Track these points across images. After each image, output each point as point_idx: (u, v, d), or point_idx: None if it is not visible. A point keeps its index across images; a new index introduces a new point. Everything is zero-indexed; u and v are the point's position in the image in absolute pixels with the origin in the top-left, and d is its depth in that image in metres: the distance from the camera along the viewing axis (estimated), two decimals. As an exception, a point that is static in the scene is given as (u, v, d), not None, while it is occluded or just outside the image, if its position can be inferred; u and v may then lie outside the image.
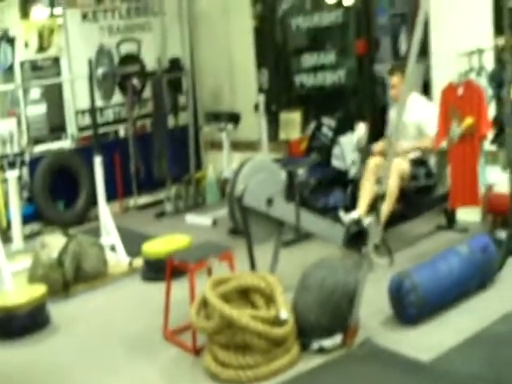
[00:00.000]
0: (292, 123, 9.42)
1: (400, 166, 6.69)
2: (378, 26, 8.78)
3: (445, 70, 6.87)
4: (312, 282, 5.03)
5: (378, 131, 7.70)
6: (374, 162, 6.89)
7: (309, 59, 9.22)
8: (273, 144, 9.38)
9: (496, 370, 4.47)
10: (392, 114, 7.23)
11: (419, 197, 7.05)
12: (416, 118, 6.93)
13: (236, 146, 9.72)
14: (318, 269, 5.16)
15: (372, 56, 8.43)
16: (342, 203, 7.38)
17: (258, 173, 6.00)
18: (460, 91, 6.42)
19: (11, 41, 9.69)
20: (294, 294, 5.12)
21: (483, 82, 6.45)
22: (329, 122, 8.18)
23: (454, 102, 6.47)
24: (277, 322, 4.72)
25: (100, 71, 7.85)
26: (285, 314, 4.74)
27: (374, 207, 5.99)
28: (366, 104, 8.16)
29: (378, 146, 7.29)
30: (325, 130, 8.18)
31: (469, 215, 7.10)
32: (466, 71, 6.48)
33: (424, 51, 7.41)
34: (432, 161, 7.06)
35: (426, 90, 7.70)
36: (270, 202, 5.89)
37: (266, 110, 9.15)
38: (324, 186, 7.90)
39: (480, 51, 6.47)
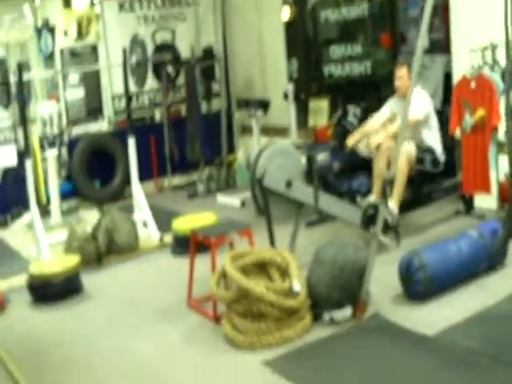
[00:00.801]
0: (320, 111, 9.74)
1: (407, 148, 6.90)
2: (410, 18, 8.93)
3: (462, 64, 7.11)
4: (324, 257, 5.38)
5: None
6: (386, 144, 7.05)
7: (337, 50, 9.53)
8: (301, 130, 9.72)
9: (495, 347, 4.72)
10: (391, 103, 7.42)
11: (428, 184, 7.31)
12: (416, 111, 7.01)
13: (266, 131, 10.06)
14: (331, 246, 5.51)
15: (396, 49, 8.68)
16: (365, 188, 7.62)
17: (278, 157, 6.35)
18: (473, 84, 6.73)
19: (51, 30, 10.09)
20: (308, 269, 5.47)
21: (496, 76, 6.66)
22: (354, 110, 8.46)
23: (467, 95, 6.79)
24: (290, 293, 5.09)
25: (133, 59, 8.22)
26: (298, 286, 5.10)
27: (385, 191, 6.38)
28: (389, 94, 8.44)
29: (352, 138, 7.40)
30: (350, 117, 8.46)
31: (486, 202, 7.28)
32: (479, 65, 6.75)
33: (447, 45, 7.72)
34: (439, 151, 7.24)
35: (447, 82, 7.93)
36: (289, 184, 6.24)
37: (295, 97, 9.49)
38: (348, 171, 8.17)
39: (494, 46, 6.69)
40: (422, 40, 4.94)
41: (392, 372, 4.58)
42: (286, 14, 10.28)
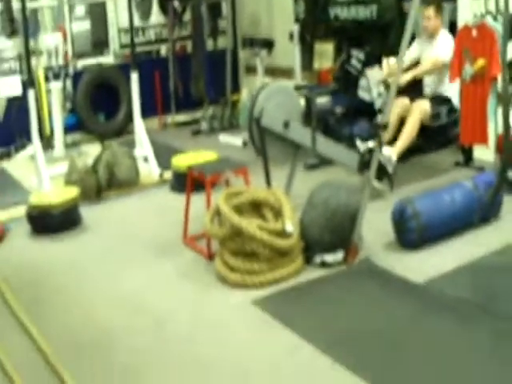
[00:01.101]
0: (325, 53, 9.69)
1: (422, 106, 7.02)
2: None
3: (466, 13, 7.08)
4: (317, 200, 5.44)
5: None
6: (400, 102, 7.13)
7: (343, -7, 9.45)
8: (306, 72, 9.71)
9: (484, 297, 4.84)
10: (418, 45, 7.46)
11: (437, 133, 7.31)
12: (435, 52, 7.20)
13: (272, 71, 10.05)
14: (323, 188, 5.56)
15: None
16: (366, 133, 7.64)
17: (276, 96, 6.36)
18: (474, 33, 6.70)
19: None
20: (301, 211, 5.55)
21: (499, 26, 6.60)
22: (358, 54, 8.43)
23: (468, 43, 6.75)
24: (282, 234, 5.16)
25: (138, -8, 8.22)
26: (290, 227, 5.17)
27: (392, 141, 6.42)
28: (394, 39, 8.38)
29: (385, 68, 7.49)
30: (354, 61, 8.40)
31: (486, 154, 7.29)
32: (482, 14, 6.72)
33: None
34: (455, 98, 7.23)
35: (452, 30, 7.89)
36: (286, 124, 6.27)
37: (300, 39, 9.47)
38: (350, 116, 8.18)
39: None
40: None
41: (378, 316, 4.68)
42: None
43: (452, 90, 7.22)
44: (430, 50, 7.27)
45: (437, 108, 7.17)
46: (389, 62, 7.43)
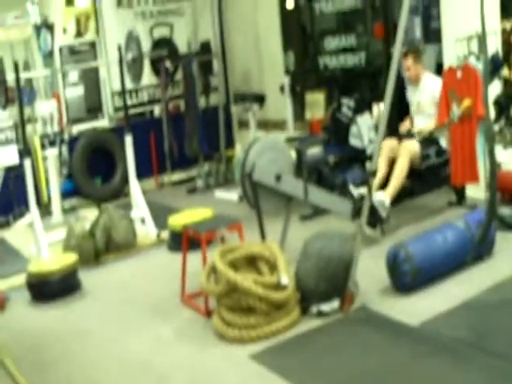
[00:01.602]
0: (316, 103, 9.82)
1: (411, 147, 7.11)
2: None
3: (451, 54, 7.19)
4: (311, 251, 5.48)
5: (396, 111, 8.00)
6: (388, 144, 7.24)
7: (332, 42, 9.60)
8: (298, 123, 9.83)
9: (479, 335, 4.84)
10: (409, 94, 7.65)
11: (428, 174, 7.37)
12: (430, 95, 7.32)
13: (264, 125, 10.19)
14: (317, 239, 5.61)
15: (390, 39, 8.73)
16: (359, 180, 7.69)
17: (266, 151, 6.45)
18: (459, 74, 6.83)
19: (51, 27, 10.17)
20: (296, 263, 5.58)
21: (481, 65, 6.69)
22: (348, 102, 8.52)
23: (453, 85, 6.88)
24: (278, 286, 5.19)
25: (129, 56, 8.32)
26: (285, 279, 5.20)
27: (384, 185, 6.48)
28: (383, 85, 8.49)
29: (404, 125, 7.73)
30: (344, 109, 8.49)
31: (478, 192, 7.31)
32: (464, 55, 6.83)
33: (438, 35, 7.78)
34: (442, 139, 7.36)
35: (439, 71, 7.99)
36: (278, 177, 6.35)
37: (291, 90, 9.61)
38: (343, 164, 8.24)
39: (479, 35, 6.72)
40: (400, 35, 5.02)
41: (376, 360, 4.69)
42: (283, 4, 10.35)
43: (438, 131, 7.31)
44: (419, 95, 7.47)
45: (426, 149, 7.25)
46: (379, 107, 7.54)
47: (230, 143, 11.19)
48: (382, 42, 8.93)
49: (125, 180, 9.90)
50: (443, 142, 7.36)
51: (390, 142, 7.25)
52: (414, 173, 7.18)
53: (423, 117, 7.41)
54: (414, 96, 7.55)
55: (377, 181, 7.03)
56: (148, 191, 8.58)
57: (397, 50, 5.12)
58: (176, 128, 10.55)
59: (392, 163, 7.14)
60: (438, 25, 8.13)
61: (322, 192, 6.74)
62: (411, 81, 7.52)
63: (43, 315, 6.35)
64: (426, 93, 7.36)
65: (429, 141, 7.32)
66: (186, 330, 5.59)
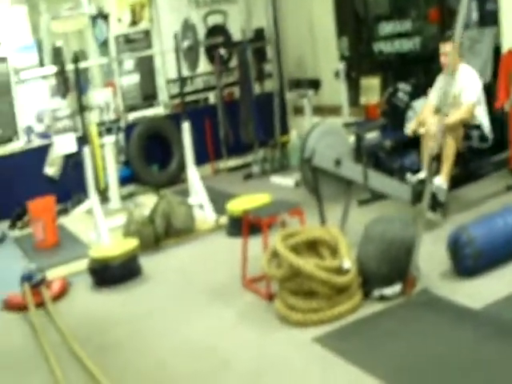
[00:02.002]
0: (371, 88, 9.78)
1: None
2: None
3: (511, 36, 7.11)
4: (373, 234, 5.49)
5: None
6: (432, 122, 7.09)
7: (386, 27, 9.55)
8: (353, 108, 9.81)
9: (543, 318, 4.82)
10: (440, 82, 7.38)
11: (477, 160, 7.32)
12: (459, 87, 7.06)
13: (319, 110, 10.16)
14: (379, 223, 5.62)
15: (445, 23, 8.66)
16: (416, 165, 7.66)
17: (326, 136, 6.46)
18: (519, 57, 6.75)
19: (106, 17, 10.29)
20: (358, 247, 5.60)
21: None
22: (404, 87, 8.50)
23: (513, 68, 6.81)
24: (340, 270, 5.22)
25: (185, 44, 8.38)
26: (347, 263, 5.23)
27: (436, 167, 6.41)
28: (438, 70, 8.45)
29: (411, 127, 7.38)
30: (400, 94, 8.48)
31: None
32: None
33: (494, 17, 7.71)
34: (487, 126, 7.20)
35: (496, 54, 7.91)
36: (337, 162, 6.35)
37: (346, 76, 9.58)
38: (399, 149, 8.22)
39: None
40: (461, 17, 4.97)
41: (439, 344, 4.66)
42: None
43: (481, 113, 7.17)
44: (456, 86, 7.02)
45: (468, 130, 7.08)
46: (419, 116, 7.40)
47: (285, 129, 11.21)
48: (437, 27, 8.85)
49: (181, 166, 10.02)
50: (487, 129, 7.21)
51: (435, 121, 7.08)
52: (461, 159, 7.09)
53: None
54: (449, 87, 7.23)
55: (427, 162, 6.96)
56: (204, 177, 8.64)
57: (458, 32, 5.06)
58: (231, 115, 10.61)
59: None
60: (494, 7, 8.06)
61: (381, 176, 6.72)
62: (446, 68, 7.25)
63: (105, 300, 6.46)
64: (469, 93, 7.02)
65: (469, 125, 7.12)
66: (249, 313, 5.64)
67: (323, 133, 6.46)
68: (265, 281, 5.79)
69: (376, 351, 4.72)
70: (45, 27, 10.21)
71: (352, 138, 7.56)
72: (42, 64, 9.92)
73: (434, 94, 7.36)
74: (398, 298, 5.37)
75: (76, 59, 7.73)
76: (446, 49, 7.06)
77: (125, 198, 9.66)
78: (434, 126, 6.82)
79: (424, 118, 7.15)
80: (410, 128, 7.36)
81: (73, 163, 9.43)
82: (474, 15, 8.20)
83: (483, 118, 7.21)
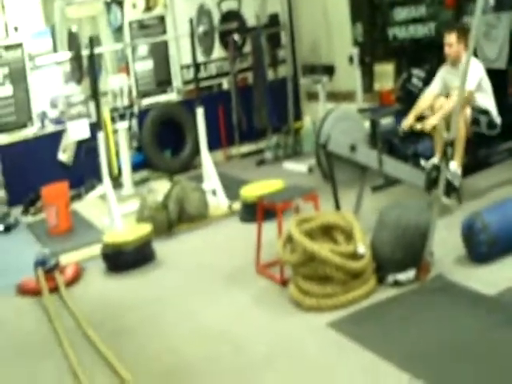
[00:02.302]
0: (385, 74, 9.74)
1: (464, 112, 6.83)
2: None
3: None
4: (388, 219, 5.48)
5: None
6: (439, 103, 7.02)
7: (401, 12, 9.49)
8: (367, 94, 9.77)
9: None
10: (442, 72, 7.29)
11: (486, 147, 7.26)
12: (474, 80, 6.90)
13: (333, 96, 10.14)
14: (394, 208, 5.61)
15: (461, 8, 8.60)
16: (430, 151, 7.64)
17: (341, 121, 6.46)
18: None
19: (120, 3, 10.28)
20: (372, 232, 5.59)
21: None
22: (418, 73, 8.45)
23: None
24: (355, 256, 5.21)
25: (200, 29, 8.35)
26: (362, 248, 5.22)
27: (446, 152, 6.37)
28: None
29: (406, 122, 7.24)
30: (415, 80, 8.42)
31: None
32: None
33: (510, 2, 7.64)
34: (494, 113, 7.11)
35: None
36: (353, 148, 6.33)
37: (360, 62, 9.55)
38: (413, 135, 8.19)
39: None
40: (478, 10, 4.90)
41: (453, 330, 4.67)
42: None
43: (486, 101, 7.09)
44: (456, 79, 6.82)
45: (476, 115, 7.00)
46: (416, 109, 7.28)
47: (298, 115, 11.20)
48: (453, 12, 8.78)
49: (194, 152, 10.05)
50: (495, 116, 7.12)
51: (441, 101, 7.01)
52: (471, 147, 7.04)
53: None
54: (453, 78, 7.05)
55: (441, 149, 6.89)
56: (217, 163, 8.63)
57: (476, 19, 5.00)
58: (244, 101, 10.60)
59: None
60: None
61: (395, 163, 6.70)
62: (450, 60, 7.12)
63: (119, 285, 6.47)
64: (469, 81, 6.93)
65: (478, 110, 7.04)
66: (263, 298, 5.65)
67: (338, 118, 6.45)
68: (278, 266, 5.79)
69: (390, 337, 4.72)
70: (58, 13, 10.20)
71: (367, 124, 7.52)
72: (55, 50, 9.93)
73: (435, 86, 7.30)
74: (412, 283, 5.37)
75: (92, 44, 7.71)
76: (451, 39, 6.99)
77: (137, 183, 9.68)
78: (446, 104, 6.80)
79: (425, 120, 7.06)
80: (406, 123, 7.22)
81: (86, 149, 9.45)
82: (491, 0, 8.11)
83: (490, 105, 7.11)
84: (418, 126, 7.05)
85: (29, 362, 5.19)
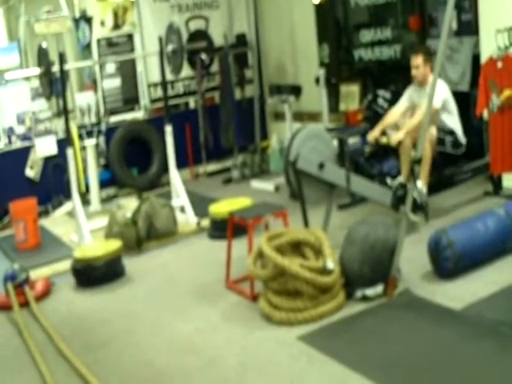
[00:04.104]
0: (351, 95, 9.91)
1: (430, 131, 6.92)
2: (439, 0, 8.75)
3: (490, 45, 7.25)
4: (356, 236, 5.61)
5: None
6: (403, 121, 7.20)
7: (366, 35, 9.68)
8: (333, 115, 9.92)
9: (520, 319, 4.95)
10: (409, 92, 7.46)
11: (442, 162, 7.36)
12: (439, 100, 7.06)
13: (299, 116, 10.25)
14: (362, 225, 5.74)
15: (425, 31, 8.80)
16: (395, 170, 7.78)
17: (310, 139, 6.54)
18: (499, 65, 6.93)
19: (89, 20, 10.31)
20: (340, 248, 5.70)
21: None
22: (384, 94, 8.62)
23: (493, 75, 6.97)
24: (324, 271, 5.32)
25: (170, 48, 8.43)
26: (331, 264, 5.33)
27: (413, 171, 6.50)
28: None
29: (373, 134, 7.42)
30: (380, 101, 8.60)
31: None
32: (505, 46, 6.92)
33: (476, 27, 7.84)
34: (460, 133, 7.31)
35: (475, 63, 8.05)
36: (321, 166, 6.44)
37: (326, 82, 9.67)
38: (379, 155, 8.34)
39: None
40: (445, 28, 5.06)
41: (420, 343, 4.80)
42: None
43: (452, 121, 7.28)
44: (423, 99, 7.03)
45: (442, 135, 7.18)
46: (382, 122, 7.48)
47: (265, 135, 11.32)
48: (418, 35, 8.99)
49: (161, 170, 10.14)
50: (460, 136, 7.31)
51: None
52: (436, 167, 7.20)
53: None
54: (419, 98, 7.25)
55: (406, 169, 7.08)
56: (184, 182, 8.64)
57: (442, 42, 5.15)
58: (211, 120, 10.68)
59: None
60: (470, 17, 8.21)
61: (363, 181, 6.85)
62: (417, 81, 7.32)
63: (89, 299, 6.50)
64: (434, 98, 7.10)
65: (443, 130, 7.23)
66: (233, 312, 5.72)
67: (308, 136, 6.54)
68: (248, 282, 5.88)
69: (359, 349, 4.83)
70: (24, 29, 10.22)
71: (335, 143, 7.65)
72: (21, 66, 9.94)
73: (403, 103, 7.49)
74: (380, 298, 5.50)
75: (61, 60, 7.71)
76: (418, 61, 7.20)
77: (104, 201, 9.69)
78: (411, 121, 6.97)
79: (391, 136, 7.23)
80: (371, 135, 7.41)
81: (52, 165, 9.48)
82: (454, 25, 8.32)
83: (455, 125, 7.32)
84: (384, 140, 7.24)
85: (2, 377, 5.20)
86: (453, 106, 7.29)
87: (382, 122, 7.47)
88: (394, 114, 7.45)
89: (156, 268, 7.11)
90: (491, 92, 7.02)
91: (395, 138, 7.08)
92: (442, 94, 7.07)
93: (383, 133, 7.37)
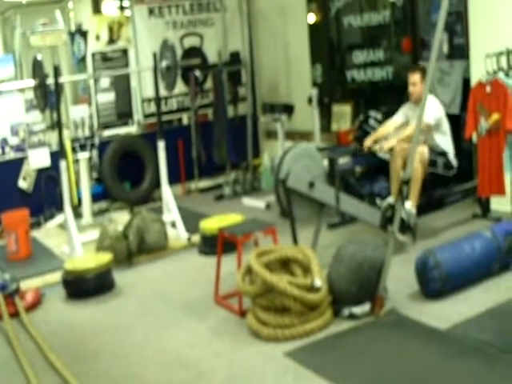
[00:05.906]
0: (343, 115, 10.02)
1: (420, 149, 7.01)
2: (432, 22, 8.78)
3: (479, 69, 7.38)
4: (344, 255, 5.68)
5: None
6: (400, 146, 7.23)
7: (359, 56, 9.79)
8: (325, 134, 10.02)
9: (507, 339, 5.00)
10: (405, 109, 7.64)
11: (433, 183, 7.48)
12: (433, 118, 7.23)
13: (291, 135, 10.33)
14: (351, 244, 5.81)
15: (416, 54, 8.91)
16: (385, 191, 7.85)
17: (301, 158, 6.61)
18: (488, 89, 7.04)
19: (84, 34, 10.39)
20: (329, 267, 5.77)
21: (511, 81, 6.95)
22: (375, 115, 8.70)
23: (482, 99, 7.08)
24: (312, 288, 5.39)
25: (164, 64, 8.51)
26: (319, 282, 5.40)
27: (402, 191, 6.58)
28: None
29: (367, 142, 7.66)
30: (372, 122, 8.68)
31: (503, 205, 7.53)
32: (494, 71, 7.04)
33: (467, 51, 7.95)
34: (452, 155, 7.43)
35: (465, 86, 8.15)
36: (311, 185, 6.50)
37: (319, 102, 9.76)
38: (369, 175, 8.42)
39: (509, 52, 7.04)
40: (435, 50, 5.17)
41: (406, 361, 4.88)
42: (311, 17, 10.55)
43: (444, 143, 7.39)
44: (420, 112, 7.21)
45: (434, 156, 7.29)
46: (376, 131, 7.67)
47: (257, 152, 11.40)
48: (410, 56, 9.10)
49: (153, 185, 10.20)
50: (452, 158, 7.43)
51: (403, 147, 7.21)
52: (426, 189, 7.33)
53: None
54: (414, 115, 7.18)
55: (396, 189, 7.13)
56: (176, 197, 8.71)
57: (431, 64, 5.26)
58: (204, 136, 10.76)
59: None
60: (462, 41, 8.33)
61: (352, 200, 6.92)
62: (414, 98, 7.44)
63: (79, 311, 6.55)
64: (427, 114, 7.02)
65: (436, 152, 7.35)
66: (221, 327, 5.78)
67: (298, 155, 6.61)
68: (237, 297, 5.94)
69: (345, 366, 4.91)
70: (20, 41, 10.28)
71: (325, 162, 7.74)
72: (16, 77, 10.00)
73: (398, 117, 7.65)
74: (366, 316, 5.56)
75: (56, 73, 7.78)
76: (415, 78, 7.35)
77: (96, 214, 9.74)
78: (398, 146, 7.09)
79: (383, 143, 7.38)
80: (365, 143, 7.62)
81: (45, 178, 9.54)
82: (445, 48, 8.43)
83: (448, 147, 7.43)
84: (377, 147, 7.36)
85: (-10, 386, 5.25)
86: (446, 127, 7.41)
87: (376, 132, 7.70)
88: (389, 126, 7.65)
89: (146, 282, 7.16)
90: (480, 115, 7.13)
91: (387, 144, 7.27)
92: (436, 112, 7.21)
93: (375, 142, 7.55)
